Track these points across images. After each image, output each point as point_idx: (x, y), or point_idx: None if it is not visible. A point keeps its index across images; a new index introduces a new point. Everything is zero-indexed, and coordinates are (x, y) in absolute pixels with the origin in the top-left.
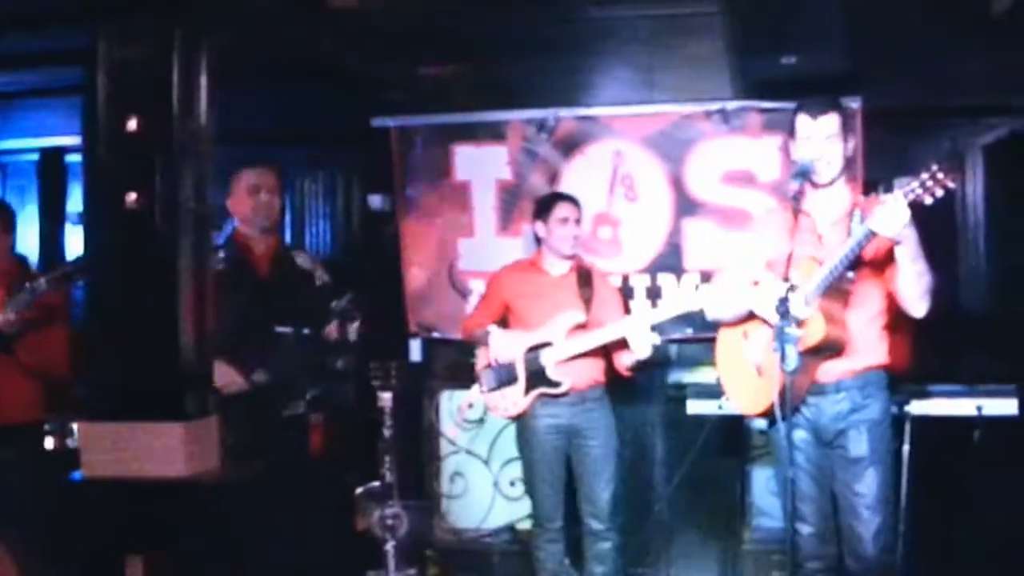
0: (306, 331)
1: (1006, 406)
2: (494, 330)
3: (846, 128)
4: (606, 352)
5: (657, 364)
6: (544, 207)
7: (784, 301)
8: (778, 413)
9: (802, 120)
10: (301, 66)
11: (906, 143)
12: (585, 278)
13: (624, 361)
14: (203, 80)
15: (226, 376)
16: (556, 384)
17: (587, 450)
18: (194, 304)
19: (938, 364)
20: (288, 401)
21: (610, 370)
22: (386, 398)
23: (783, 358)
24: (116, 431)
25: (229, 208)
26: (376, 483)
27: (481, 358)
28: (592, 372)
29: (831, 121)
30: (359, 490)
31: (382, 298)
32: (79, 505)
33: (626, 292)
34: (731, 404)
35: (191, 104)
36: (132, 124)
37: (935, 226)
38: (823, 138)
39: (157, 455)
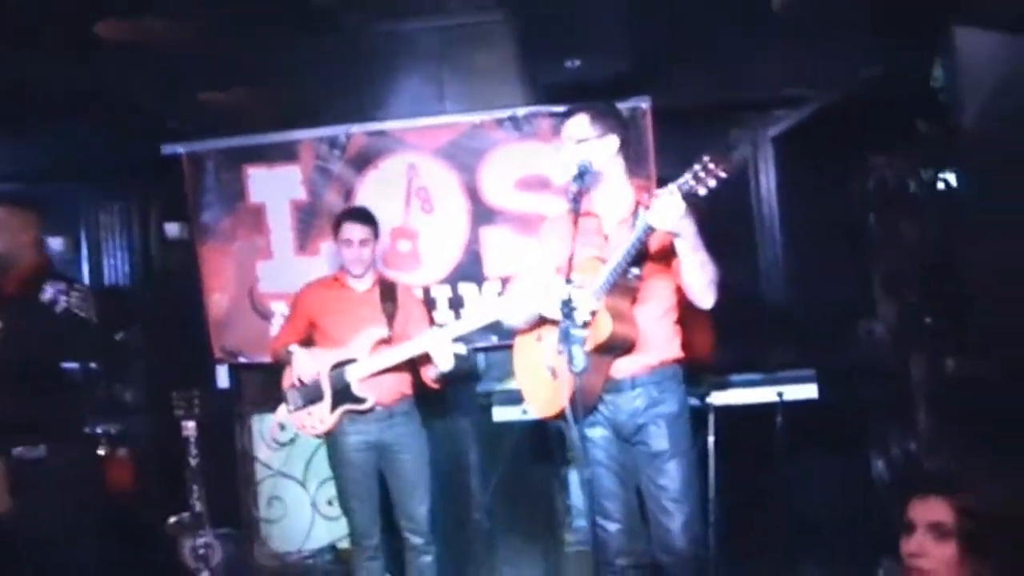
0: (92, 365)
1: (806, 391)
2: (295, 350)
3: (610, 126)
4: (413, 366)
5: (465, 375)
6: (334, 227)
7: (567, 302)
8: (569, 415)
9: (564, 125)
10: (82, 99)
11: (697, 139)
12: (388, 293)
13: (430, 374)
14: None
15: None
16: (361, 400)
17: (399, 465)
18: None
19: (741, 354)
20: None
21: (419, 383)
22: (190, 427)
23: (570, 359)
24: None
25: None
26: (185, 514)
27: (287, 378)
28: (399, 386)
29: (580, 122)
30: (172, 521)
31: (186, 326)
32: None
33: (428, 304)
34: (530, 408)
35: None
36: None
37: (732, 219)
38: (575, 139)
39: None
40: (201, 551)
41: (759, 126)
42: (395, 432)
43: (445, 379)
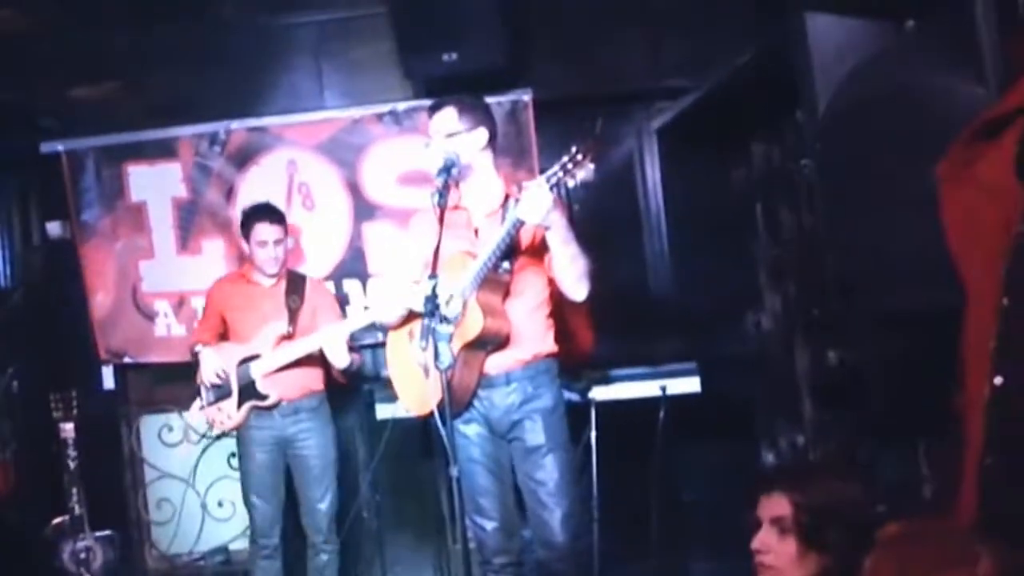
0: None
1: (689, 384)
2: (202, 349)
3: (478, 119)
4: (325, 362)
5: (366, 371)
6: (244, 225)
7: (431, 298)
8: (436, 412)
9: (431, 119)
10: None
11: (577, 131)
12: (295, 287)
13: (333, 370)
14: None
15: None
16: (264, 397)
17: (302, 460)
18: None
19: (624, 348)
20: None
21: (329, 379)
22: (68, 429)
23: (436, 356)
24: None
25: None
26: (65, 517)
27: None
28: (305, 381)
29: (447, 116)
30: (51, 525)
31: (71, 326)
32: None
33: None
34: (404, 405)
35: None
36: None
37: (618, 211)
38: (443, 133)
39: None
40: (82, 555)
41: (643, 118)
42: (299, 427)
43: (347, 375)
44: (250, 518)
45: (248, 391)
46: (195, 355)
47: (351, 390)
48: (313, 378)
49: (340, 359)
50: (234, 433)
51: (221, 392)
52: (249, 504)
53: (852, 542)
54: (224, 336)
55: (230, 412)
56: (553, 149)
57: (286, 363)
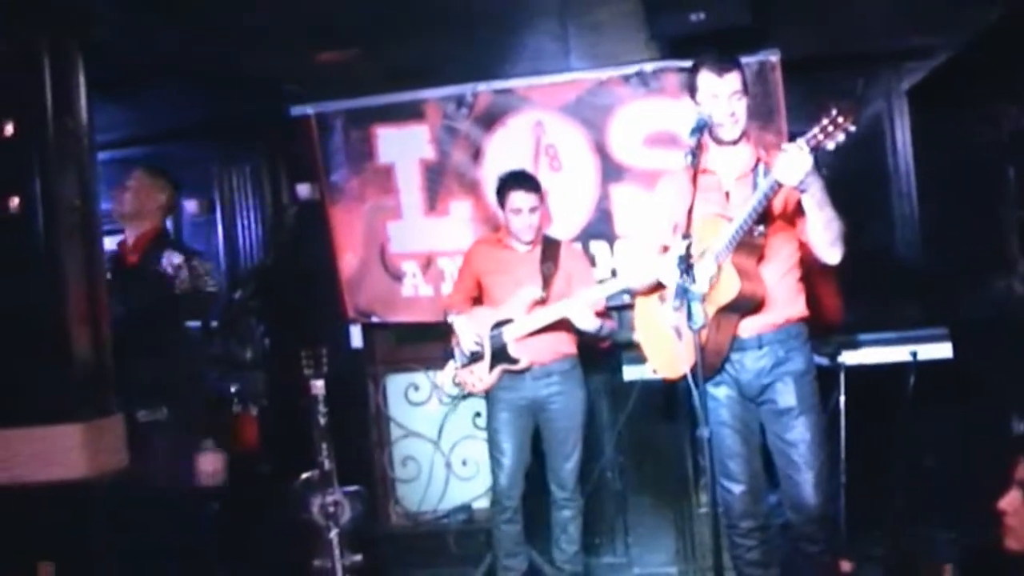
0: (214, 324)
1: (941, 350)
2: (455, 319)
3: (746, 83)
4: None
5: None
6: (500, 193)
7: (684, 259)
8: (688, 375)
9: (707, 78)
10: (197, 63)
11: (823, 93)
12: (550, 252)
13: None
14: (79, 80)
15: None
16: (515, 361)
17: (551, 421)
18: (86, 304)
19: (874, 312)
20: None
21: (581, 341)
22: (318, 385)
23: (688, 316)
24: (8, 438)
25: None
26: (314, 471)
27: (456, 336)
28: (557, 346)
29: (736, 77)
30: (301, 479)
31: (320, 286)
32: None
33: None
34: (654, 368)
35: (68, 104)
36: (9, 129)
37: (867, 174)
38: (729, 95)
39: (55, 458)
40: (330, 509)
41: (892, 78)
42: (551, 390)
43: (598, 339)
44: (493, 478)
45: (500, 355)
46: (449, 322)
47: (599, 351)
48: (565, 342)
49: (586, 324)
50: (483, 394)
51: (474, 355)
52: (494, 464)
53: None
54: (478, 299)
55: (482, 375)
56: (799, 111)
57: (538, 328)
